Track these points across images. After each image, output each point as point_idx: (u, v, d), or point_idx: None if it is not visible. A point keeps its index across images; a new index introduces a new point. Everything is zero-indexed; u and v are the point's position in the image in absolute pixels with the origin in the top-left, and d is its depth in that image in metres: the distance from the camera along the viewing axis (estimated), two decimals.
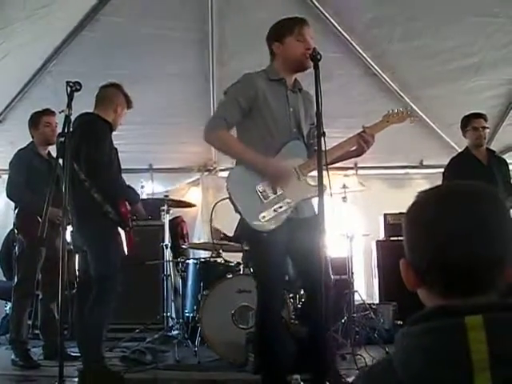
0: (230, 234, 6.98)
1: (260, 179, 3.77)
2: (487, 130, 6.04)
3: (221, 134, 3.82)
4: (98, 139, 4.57)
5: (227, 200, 3.81)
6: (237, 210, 3.78)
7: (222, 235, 6.89)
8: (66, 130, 3.74)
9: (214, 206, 5.53)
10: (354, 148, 3.97)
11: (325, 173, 3.48)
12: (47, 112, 5.65)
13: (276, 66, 3.99)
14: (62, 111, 3.73)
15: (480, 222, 1.30)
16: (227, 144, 3.91)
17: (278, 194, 3.78)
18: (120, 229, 4.73)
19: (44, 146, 5.69)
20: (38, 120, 5.67)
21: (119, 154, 4.98)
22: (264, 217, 3.72)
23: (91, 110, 4.84)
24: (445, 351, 1.21)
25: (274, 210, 3.74)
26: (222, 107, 3.99)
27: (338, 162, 4.15)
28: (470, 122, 5.90)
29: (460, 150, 6.38)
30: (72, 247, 5.77)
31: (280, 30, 3.97)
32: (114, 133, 4.90)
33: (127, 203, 4.74)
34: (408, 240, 1.40)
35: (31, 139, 5.74)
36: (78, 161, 4.48)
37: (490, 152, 6.12)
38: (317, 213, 3.51)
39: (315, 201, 3.80)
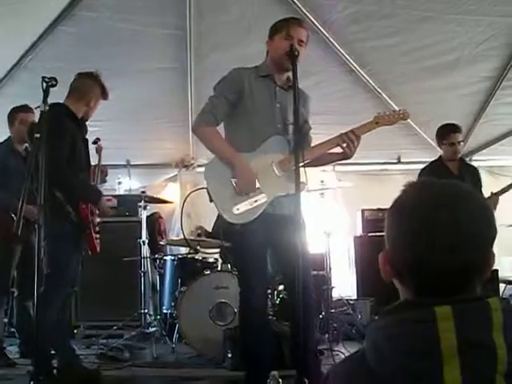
0: (209, 228, 7.00)
1: None
2: (462, 143, 6.14)
3: (206, 129, 3.94)
4: (55, 138, 4.37)
5: (205, 193, 3.84)
6: (212, 201, 3.84)
7: (199, 231, 6.89)
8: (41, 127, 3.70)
9: (187, 197, 5.53)
10: (337, 150, 3.97)
11: (302, 169, 3.49)
12: (24, 108, 5.57)
13: (267, 63, 4.04)
14: (38, 107, 3.69)
15: (457, 227, 1.30)
16: (210, 140, 3.99)
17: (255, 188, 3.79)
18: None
19: (20, 142, 5.63)
20: (13, 116, 5.61)
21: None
22: (238, 209, 3.77)
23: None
24: (415, 341, 1.24)
25: (250, 204, 3.77)
26: (209, 103, 4.00)
27: (322, 163, 4.18)
28: (448, 137, 5.94)
29: (435, 152, 6.43)
30: None
31: (273, 28, 4.00)
32: (90, 129, 4.84)
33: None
34: (388, 237, 1.40)
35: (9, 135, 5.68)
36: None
37: (462, 161, 6.22)
38: (296, 210, 3.51)
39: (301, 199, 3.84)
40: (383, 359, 1.27)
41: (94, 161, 5.00)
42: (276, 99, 3.95)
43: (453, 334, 1.21)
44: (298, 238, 3.40)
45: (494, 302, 1.26)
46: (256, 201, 3.77)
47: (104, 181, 5.31)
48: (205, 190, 3.87)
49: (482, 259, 1.33)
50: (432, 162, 6.26)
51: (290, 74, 3.82)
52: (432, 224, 1.31)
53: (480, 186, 6.05)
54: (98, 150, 5.28)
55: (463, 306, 1.25)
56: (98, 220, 4.80)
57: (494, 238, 1.35)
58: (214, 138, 3.95)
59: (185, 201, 5.57)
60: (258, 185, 3.79)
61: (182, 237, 6.42)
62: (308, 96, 4.20)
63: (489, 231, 1.35)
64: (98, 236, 4.72)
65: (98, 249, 4.72)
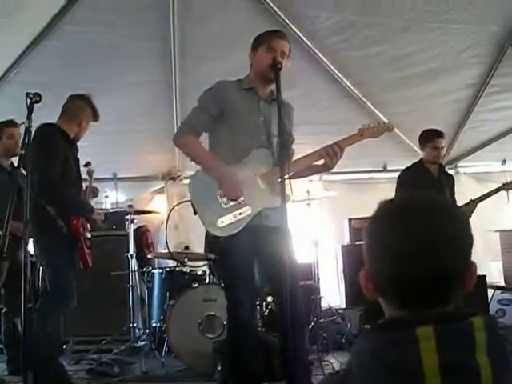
0: (197, 240, 7.00)
1: None
2: (444, 149, 6.38)
3: (187, 139, 3.95)
4: (49, 154, 4.55)
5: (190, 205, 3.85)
6: (196, 213, 3.85)
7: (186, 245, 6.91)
8: (26, 142, 3.70)
9: (172, 209, 5.54)
10: (321, 162, 3.98)
11: (287, 181, 3.50)
12: (10, 123, 5.57)
13: (251, 76, 4.06)
14: (22, 123, 3.69)
15: (434, 239, 1.31)
16: (192, 150, 4.02)
17: (239, 200, 3.79)
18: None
19: (6, 157, 5.61)
20: (1, 131, 5.59)
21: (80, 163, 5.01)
22: (222, 222, 3.77)
23: (54, 121, 4.83)
24: (398, 360, 1.24)
25: (234, 216, 3.77)
26: (191, 114, 4.03)
27: (304, 175, 4.18)
28: (432, 140, 6.07)
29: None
30: (35, 259, 5.72)
31: (256, 41, 4.03)
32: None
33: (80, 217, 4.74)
34: (367, 253, 1.41)
35: None
36: (32, 174, 4.44)
37: (441, 167, 6.38)
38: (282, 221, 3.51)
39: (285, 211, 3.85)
40: (368, 378, 1.27)
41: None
42: (260, 112, 3.96)
43: (434, 354, 1.21)
44: (284, 248, 3.39)
45: (478, 322, 1.26)
46: (240, 213, 3.77)
47: (94, 197, 5.39)
48: (190, 194, 3.88)
49: (460, 268, 1.33)
50: (413, 163, 6.37)
51: (273, 86, 3.83)
52: (406, 236, 1.32)
53: (453, 192, 6.28)
54: (90, 173, 5.38)
55: (446, 326, 1.25)
56: (88, 235, 4.87)
57: (470, 248, 1.36)
58: (195, 146, 3.98)
59: (169, 214, 5.57)
60: (242, 197, 3.79)
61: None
62: (292, 108, 4.22)
63: (465, 241, 1.36)
64: (89, 251, 4.80)
65: (90, 263, 4.78)
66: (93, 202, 5.37)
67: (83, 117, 4.92)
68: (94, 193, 5.41)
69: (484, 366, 1.21)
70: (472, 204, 5.93)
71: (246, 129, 3.92)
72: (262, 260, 3.91)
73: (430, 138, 6.11)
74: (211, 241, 3.96)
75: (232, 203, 3.79)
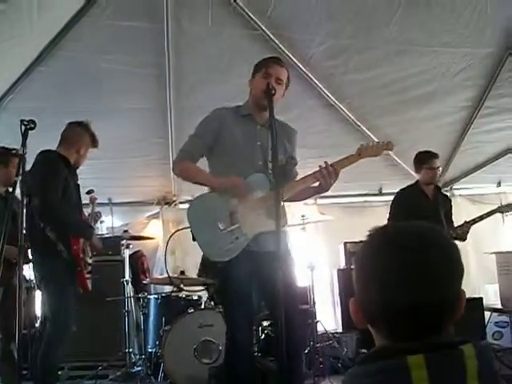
0: (193, 266, 6.98)
1: (220, 210, 3.82)
2: (440, 170, 6.41)
3: (184, 164, 4.01)
4: (49, 179, 4.56)
5: (189, 230, 3.86)
6: (195, 239, 3.86)
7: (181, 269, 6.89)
8: (20, 170, 3.72)
9: (170, 237, 5.55)
10: (316, 184, 3.98)
11: (283, 206, 3.51)
12: (17, 153, 5.51)
13: (249, 102, 4.09)
14: (15, 150, 3.71)
15: (425, 270, 1.31)
16: (191, 173, 4.05)
17: (236, 225, 3.81)
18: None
19: (5, 185, 5.56)
20: (8, 159, 5.49)
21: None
22: (221, 247, 3.77)
23: (48, 147, 4.85)
24: None
25: (231, 242, 3.78)
26: (188, 141, 4.07)
27: (300, 199, 4.19)
28: (427, 161, 6.14)
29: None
30: (31, 285, 5.70)
31: (254, 67, 4.07)
32: None
33: (81, 240, 4.73)
34: (356, 281, 1.41)
35: None
36: (33, 199, 4.48)
37: (437, 188, 6.41)
38: (282, 247, 3.51)
39: (285, 235, 3.84)
40: None
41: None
42: (256, 137, 3.98)
43: (426, 383, 1.21)
44: (285, 274, 3.39)
45: (469, 349, 1.26)
46: (237, 238, 3.78)
47: (96, 223, 5.42)
48: (188, 220, 3.88)
49: (450, 299, 1.33)
50: (409, 185, 6.43)
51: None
52: (398, 266, 1.32)
53: (451, 215, 6.31)
54: (92, 201, 5.42)
55: (436, 355, 1.24)
56: (90, 260, 4.90)
57: (460, 276, 1.36)
58: (192, 169, 4.01)
59: (168, 240, 5.57)
60: (238, 223, 3.79)
61: (165, 275, 6.40)
62: (294, 130, 4.24)
63: (454, 270, 1.35)
64: (89, 276, 4.82)
65: (90, 287, 4.80)
66: None
67: (82, 144, 4.95)
68: (96, 219, 5.42)
69: None
70: (466, 226, 5.96)
71: (243, 155, 3.94)
72: (260, 286, 3.90)
73: (424, 159, 6.17)
74: (208, 266, 3.96)
75: (229, 228, 3.79)
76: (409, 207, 5.97)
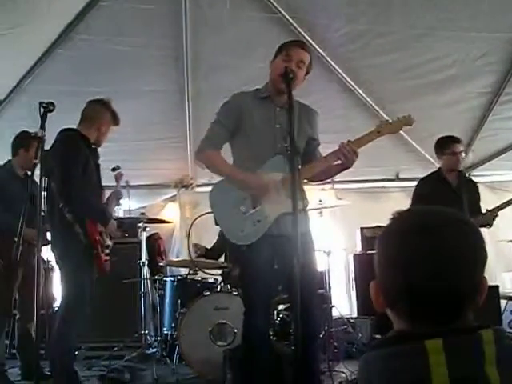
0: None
1: (241, 194, 3.84)
2: (463, 154, 6.08)
3: (208, 154, 4.00)
4: (70, 159, 4.52)
5: (205, 215, 3.87)
6: (217, 224, 3.89)
7: (198, 251, 6.91)
8: (39, 152, 3.72)
9: (193, 222, 5.55)
10: (338, 162, 3.97)
11: (306, 186, 3.53)
12: (37, 137, 5.49)
13: (269, 84, 4.05)
14: (35, 133, 3.72)
15: (447, 255, 1.31)
16: (213, 164, 4.04)
17: (258, 208, 3.82)
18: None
19: (26, 168, 5.57)
20: (29, 143, 5.48)
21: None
22: (243, 230, 3.79)
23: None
24: (408, 374, 1.24)
25: (253, 224, 3.79)
26: (211, 129, 4.06)
27: (324, 178, 4.18)
28: (449, 146, 5.93)
29: (434, 169, 6.39)
30: (49, 266, 5.74)
31: (278, 50, 4.02)
32: None
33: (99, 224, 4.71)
34: (378, 265, 1.41)
35: (9, 158, 5.64)
36: (53, 180, 4.46)
37: (461, 174, 6.15)
38: (302, 229, 3.52)
39: (306, 218, 3.84)
40: None
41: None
42: (276, 120, 3.96)
43: (444, 368, 1.21)
44: (304, 257, 3.39)
45: (487, 335, 1.26)
46: (259, 220, 3.79)
47: (118, 204, 5.38)
48: (203, 210, 3.90)
49: (471, 285, 1.33)
50: (431, 173, 6.24)
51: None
52: (419, 251, 1.32)
53: (478, 200, 6.08)
54: (118, 178, 5.38)
55: (455, 339, 1.24)
56: (109, 242, 4.86)
57: (483, 263, 1.35)
58: (218, 160, 4.00)
59: (191, 225, 5.58)
60: (260, 205, 3.80)
61: (181, 258, 6.42)
62: (315, 112, 4.24)
63: (477, 256, 1.35)
64: (107, 258, 4.78)
65: (107, 269, 4.79)
66: None
67: (103, 121, 4.90)
68: (118, 197, 5.39)
69: (494, 378, 1.21)
70: (489, 214, 5.76)
71: (263, 137, 3.93)
72: (279, 269, 3.90)
73: (446, 144, 5.98)
74: (231, 249, 3.96)
75: (251, 211, 3.81)
76: (430, 196, 5.80)
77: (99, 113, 4.91)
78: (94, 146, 4.91)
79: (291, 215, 3.53)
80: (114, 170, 5.40)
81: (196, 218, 5.56)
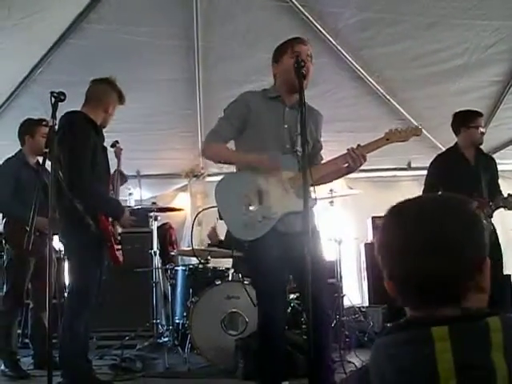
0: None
1: (247, 189, 3.83)
2: (484, 130, 5.80)
3: (214, 146, 4.01)
4: (78, 149, 4.37)
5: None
6: (221, 218, 3.88)
7: (213, 240, 6.93)
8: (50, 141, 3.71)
9: (198, 214, 5.56)
10: (345, 165, 3.97)
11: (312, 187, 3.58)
12: (44, 123, 5.41)
13: (276, 86, 4.06)
14: (46, 122, 3.70)
15: (435, 238, 1.33)
16: (220, 154, 4.07)
17: (264, 204, 3.81)
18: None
19: (35, 155, 5.58)
20: (34, 129, 5.51)
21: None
22: (246, 226, 3.77)
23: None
24: (414, 361, 1.25)
25: (259, 221, 3.78)
26: (218, 124, 4.06)
27: (328, 181, 4.21)
28: (473, 120, 5.65)
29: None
30: (61, 256, 5.73)
31: (277, 52, 4.03)
32: None
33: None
34: (378, 254, 1.44)
35: (19, 148, 5.64)
36: (61, 167, 4.36)
37: (479, 151, 5.84)
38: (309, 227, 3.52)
39: (312, 216, 3.84)
40: (384, 378, 1.28)
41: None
42: (284, 120, 3.96)
43: (450, 355, 1.22)
44: (312, 252, 3.38)
45: (494, 322, 1.26)
46: (264, 217, 3.77)
47: (123, 182, 5.32)
48: (214, 199, 3.89)
49: (465, 266, 1.33)
50: (448, 149, 6.04)
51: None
52: (412, 235, 1.35)
53: (497, 179, 5.86)
54: (118, 153, 5.26)
55: (461, 326, 1.25)
56: (119, 230, 4.77)
57: (480, 245, 1.36)
58: (225, 150, 4.03)
59: (195, 219, 5.60)
60: (267, 202, 3.81)
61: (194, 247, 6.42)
62: (320, 115, 4.21)
63: (472, 238, 1.35)
64: (119, 247, 4.68)
65: (121, 259, 4.70)
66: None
67: (110, 101, 4.70)
68: (122, 175, 5.33)
69: (501, 366, 1.20)
70: (510, 199, 5.43)
71: (270, 138, 3.94)
72: (288, 265, 3.88)
73: (471, 117, 5.68)
74: (236, 242, 3.95)
75: (257, 207, 3.81)
76: (446, 173, 5.57)
77: (106, 93, 4.71)
78: (100, 128, 4.71)
79: (298, 214, 3.55)
80: (113, 146, 5.19)
81: (202, 210, 5.56)
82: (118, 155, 5.26)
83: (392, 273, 1.39)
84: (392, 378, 1.26)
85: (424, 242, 1.33)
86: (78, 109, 4.64)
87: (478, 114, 5.73)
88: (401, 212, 1.42)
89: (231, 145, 4.09)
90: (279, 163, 3.83)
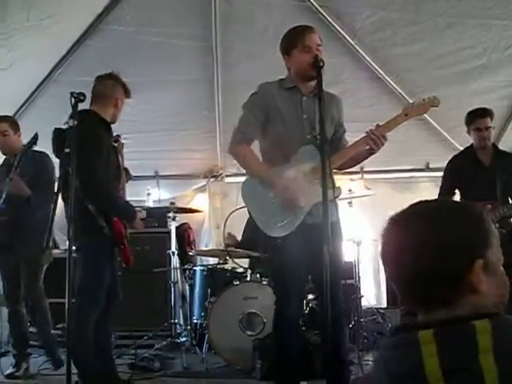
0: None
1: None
2: (492, 130, 5.65)
3: (239, 149, 4.01)
4: (92, 151, 4.27)
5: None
6: (251, 215, 3.93)
7: (230, 241, 6.93)
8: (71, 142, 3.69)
9: (230, 215, 5.55)
10: (367, 147, 3.96)
11: (335, 176, 3.64)
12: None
13: (291, 76, 4.04)
14: (66, 123, 3.70)
15: (428, 238, 1.35)
16: (244, 160, 4.08)
17: (295, 205, 3.81)
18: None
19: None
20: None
21: (125, 162, 4.85)
22: (276, 223, 3.78)
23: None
24: (403, 365, 1.27)
25: (288, 216, 3.78)
26: (240, 122, 4.06)
27: (352, 165, 4.17)
28: (474, 121, 5.56)
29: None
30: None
31: (286, 44, 4.01)
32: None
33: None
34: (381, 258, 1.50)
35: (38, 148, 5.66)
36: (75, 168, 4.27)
37: (495, 149, 5.71)
38: (331, 219, 3.54)
39: (335, 207, 3.86)
40: (381, 379, 1.31)
41: None
42: (303, 110, 3.95)
43: (436, 359, 1.23)
44: (332, 247, 3.38)
45: (482, 325, 1.26)
46: (294, 212, 3.79)
47: (129, 179, 5.30)
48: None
49: (446, 271, 1.33)
50: (462, 150, 5.98)
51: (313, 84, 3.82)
52: (392, 241, 1.43)
53: None
54: (120, 149, 5.15)
55: (445, 330, 1.26)
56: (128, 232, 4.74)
57: (460, 247, 1.35)
58: (249, 157, 4.01)
59: (227, 218, 5.57)
60: (299, 203, 3.81)
61: (210, 247, 6.44)
62: (339, 98, 4.22)
63: (447, 241, 1.36)
64: (128, 248, 4.61)
65: (132, 259, 4.65)
66: (135, 200, 5.32)
67: (117, 96, 4.61)
68: (127, 175, 5.27)
69: (489, 369, 1.20)
70: None
71: (291, 129, 3.93)
72: (308, 259, 3.88)
73: (471, 119, 5.58)
74: (263, 239, 3.94)
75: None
76: (459, 174, 5.54)
77: (113, 88, 4.62)
78: (110, 127, 4.63)
79: (321, 205, 3.53)
80: (115, 141, 5.14)
81: (234, 211, 5.53)
82: (120, 151, 5.14)
83: (390, 275, 1.44)
84: (384, 379, 1.30)
85: (414, 243, 1.36)
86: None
87: (478, 115, 5.57)
88: (396, 216, 1.47)
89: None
90: (288, 192, 3.81)
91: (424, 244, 1.34)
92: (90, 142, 4.24)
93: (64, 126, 3.78)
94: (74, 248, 4.55)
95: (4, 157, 5.61)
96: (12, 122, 5.45)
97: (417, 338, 1.26)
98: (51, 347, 5.53)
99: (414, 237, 1.37)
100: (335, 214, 3.88)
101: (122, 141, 4.96)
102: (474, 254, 1.35)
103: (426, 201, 1.50)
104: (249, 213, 3.93)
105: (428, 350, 1.24)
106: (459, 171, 5.62)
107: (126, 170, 5.20)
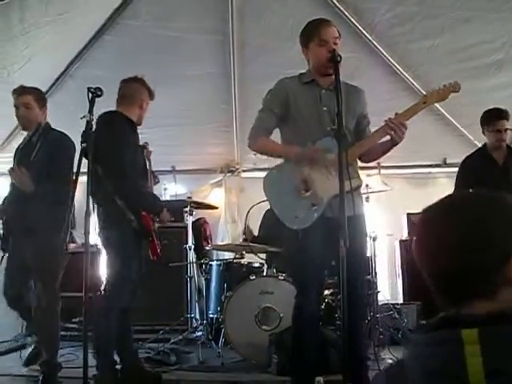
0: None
1: (294, 178, 3.87)
2: (509, 132, 5.61)
3: (260, 140, 4.06)
4: (122, 146, 4.48)
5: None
6: (272, 208, 3.96)
7: (244, 236, 6.92)
8: (88, 136, 3.72)
9: (251, 209, 5.56)
10: (388, 137, 3.93)
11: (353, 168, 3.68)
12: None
13: (310, 69, 4.06)
14: (84, 117, 3.72)
15: (453, 234, 1.34)
16: (266, 148, 4.12)
17: (311, 191, 3.84)
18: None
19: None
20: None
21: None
22: (297, 215, 3.82)
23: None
24: (442, 363, 1.24)
25: (308, 209, 3.81)
26: (258, 117, 4.11)
27: (375, 157, 4.20)
28: (492, 123, 5.52)
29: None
30: (96, 249, 5.77)
31: (304, 37, 4.03)
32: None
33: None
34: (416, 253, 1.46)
35: None
36: (100, 164, 4.35)
37: (509, 149, 5.67)
38: (356, 211, 3.58)
39: (356, 199, 3.82)
40: (413, 376, 1.28)
41: None
42: (322, 103, 3.96)
43: (479, 359, 1.20)
44: (355, 241, 3.38)
45: None
46: (313, 204, 3.81)
47: (156, 183, 5.36)
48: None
49: (490, 261, 1.32)
50: (476, 150, 5.95)
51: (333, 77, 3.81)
52: (433, 233, 1.39)
53: None
54: (147, 155, 5.28)
55: (491, 330, 1.23)
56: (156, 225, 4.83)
57: (494, 242, 1.34)
58: (270, 144, 4.07)
59: (248, 212, 5.58)
60: (314, 189, 3.82)
61: (226, 242, 6.44)
62: (361, 90, 4.24)
63: (491, 236, 1.34)
64: (158, 242, 4.76)
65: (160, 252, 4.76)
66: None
67: (143, 98, 4.81)
68: (154, 176, 5.36)
69: None
70: None
71: (310, 121, 3.96)
72: (330, 252, 3.87)
73: (488, 119, 5.56)
74: (284, 233, 3.95)
75: (305, 195, 3.85)
76: (474, 175, 5.47)
77: (139, 90, 4.82)
78: (136, 127, 4.82)
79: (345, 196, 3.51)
80: (143, 148, 5.26)
81: (255, 204, 5.54)
82: (147, 157, 5.27)
83: (427, 270, 1.39)
84: (420, 377, 1.26)
85: (453, 239, 1.33)
86: (112, 105, 4.73)
87: (496, 116, 5.52)
88: (432, 209, 1.43)
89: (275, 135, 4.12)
90: (319, 154, 3.82)
91: (463, 240, 1.32)
92: (120, 142, 4.39)
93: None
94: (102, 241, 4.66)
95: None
96: (38, 95, 5.21)
97: (459, 336, 1.23)
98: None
99: (453, 233, 1.34)
100: (360, 207, 3.88)
101: (150, 149, 5.07)
102: (500, 248, 1.33)
103: (460, 193, 1.48)
104: (270, 204, 3.96)
105: (472, 349, 1.21)
106: (474, 171, 5.56)
107: (154, 174, 5.27)
